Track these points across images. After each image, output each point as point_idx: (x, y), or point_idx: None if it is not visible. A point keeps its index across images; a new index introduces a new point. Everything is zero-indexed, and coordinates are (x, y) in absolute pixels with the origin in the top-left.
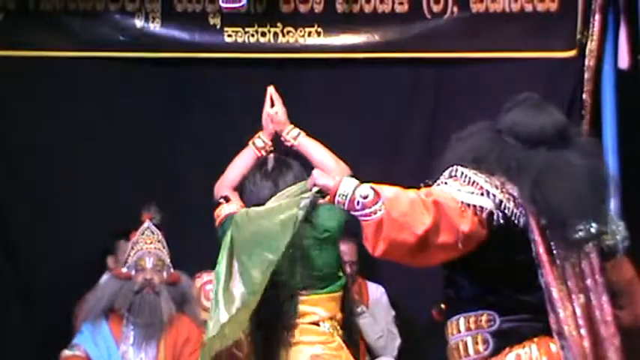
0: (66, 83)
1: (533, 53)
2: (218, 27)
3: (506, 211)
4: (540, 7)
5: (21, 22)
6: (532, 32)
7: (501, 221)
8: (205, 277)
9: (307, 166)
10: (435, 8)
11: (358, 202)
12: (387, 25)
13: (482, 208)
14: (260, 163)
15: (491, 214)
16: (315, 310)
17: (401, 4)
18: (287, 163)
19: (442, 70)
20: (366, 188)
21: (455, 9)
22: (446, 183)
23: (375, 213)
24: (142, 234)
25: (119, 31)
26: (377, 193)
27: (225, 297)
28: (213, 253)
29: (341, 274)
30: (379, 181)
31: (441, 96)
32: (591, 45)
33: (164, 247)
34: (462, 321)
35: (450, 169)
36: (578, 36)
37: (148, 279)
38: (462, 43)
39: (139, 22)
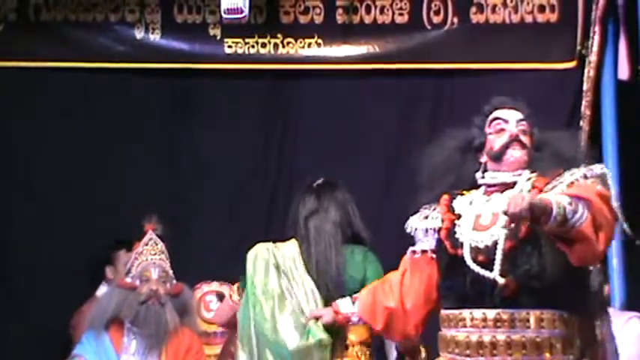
0: (66, 94)
1: (534, 64)
2: (218, 38)
3: None
4: (540, 18)
5: (21, 33)
6: (532, 43)
7: None
8: (205, 287)
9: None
10: (435, 19)
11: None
12: (387, 36)
13: None
14: (309, 183)
15: None
16: (347, 335)
17: (401, 15)
18: (334, 184)
19: (442, 81)
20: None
21: (455, 20)
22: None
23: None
24: (146, 245)
25: (119, 42)
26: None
27: None
28: (212, 264)
29: None
30: (378, 192)
31: (440, 107)
32: (591, 56)
33: (167, 258)
34: None
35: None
36: (578, 47)
37: (153, 290)
38: (462, 54)
39: (139, 33)
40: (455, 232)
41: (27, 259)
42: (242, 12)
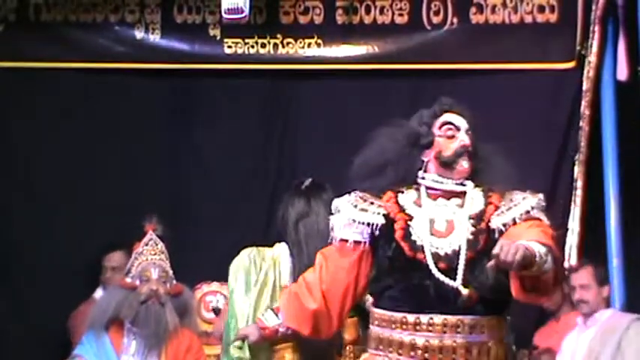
0: (66, 94)
1: (533, 64)
2: (218, 38)
3: None
4: (540, 19)
5: (21, 34)
6: (532, 43)
7: None
8: (205, 288)
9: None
10: (435, 19)
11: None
12: (387, 36)
13: None
14: (296, 184)
15: None
16: (343, 335)
17: (401, 15)
18: (322, 185)
19: (442, 82)
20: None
21: (455, 20)
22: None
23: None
24: (146, 245)
25: (119, 42)
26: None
27: None
28: (212, 264)
29: None
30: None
31: None
32: (591, 56)
33: (167, 258)
34: None
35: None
36: (578, 47)
37: (153, 290)
38: (461, 55)
39: (138, 34)
40: (411, 234)
41: (27, 259)
42: (243, 12)
